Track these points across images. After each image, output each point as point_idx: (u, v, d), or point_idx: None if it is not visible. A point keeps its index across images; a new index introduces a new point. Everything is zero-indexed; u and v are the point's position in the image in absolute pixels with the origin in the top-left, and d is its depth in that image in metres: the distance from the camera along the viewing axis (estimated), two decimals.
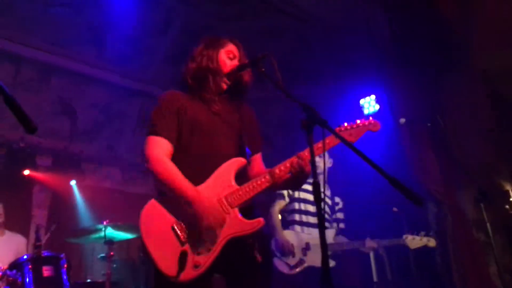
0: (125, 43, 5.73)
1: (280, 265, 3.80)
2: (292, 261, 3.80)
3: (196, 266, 1.98)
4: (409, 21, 5.05)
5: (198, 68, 2.36)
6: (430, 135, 4.66)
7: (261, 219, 2.12)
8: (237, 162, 2.23)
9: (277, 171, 2.19)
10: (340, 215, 4.17)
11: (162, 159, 2.15)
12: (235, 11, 5.61)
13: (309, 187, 3.98)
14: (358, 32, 5.44)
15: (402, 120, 3.77)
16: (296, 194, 4.03)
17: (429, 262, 4.78)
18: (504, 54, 4.66)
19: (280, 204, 4.00)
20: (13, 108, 1.17)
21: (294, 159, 2.20)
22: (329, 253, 3.83)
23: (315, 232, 3.87)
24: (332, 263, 3.83)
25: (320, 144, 2.15)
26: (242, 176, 2.22)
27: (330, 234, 3.98)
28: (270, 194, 3.70)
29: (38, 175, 5.70)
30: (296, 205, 4.01)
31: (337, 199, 4.22)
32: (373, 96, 5.55)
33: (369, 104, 5.55)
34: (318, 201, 1.78)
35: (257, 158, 2.43)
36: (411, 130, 4.69)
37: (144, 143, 2.22)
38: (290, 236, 3.88)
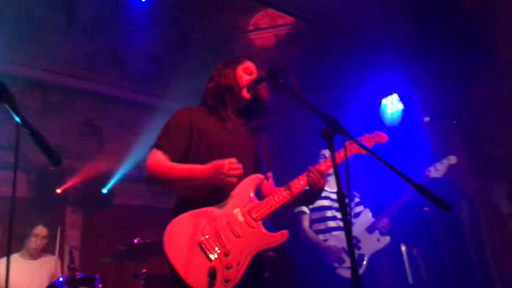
0: (146, 61, 5.85)
1: (344, 272, 3.68)
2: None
3: (226, 281, 1.99)
4: (429, 15, 4.96)
5: (216, 86, 2.42)
6: (458, 133, 4.55)
7: (285, 231, 2.15)
8: (256, 178, 2.27)
9: (294, 185, 2.23)
10: (358, 209, 4.09)
11: (156, 161, 2.21)
12: (250, 21, 5.65)
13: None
14: (376, 30, 5.38)
15: (427, 119, 3.70)
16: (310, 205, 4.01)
17: (466, 260, 4.65)
18: None
19: (306, 219, 3.97)
20: (39, 142, 1.21)
21: (308, 173, 2.25)
22: (376, 231, 3.83)
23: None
24: (387, 239, 3.85)
25: (341, 153, 2.16)
26: (256, 193, 2.26)
27: (366, 214, 3.96)
28: (291, 216, 3.73)
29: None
30: (315, 215, 3.97)
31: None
32: (395, 95, 5.45)
33: (392, 104, 5.46)
34: (343, 210, 1.78)
35: (270, 176, 2.46)
36: (437, 128, 4.59)
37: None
38: (334, 242, 3.82)
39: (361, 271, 3.70)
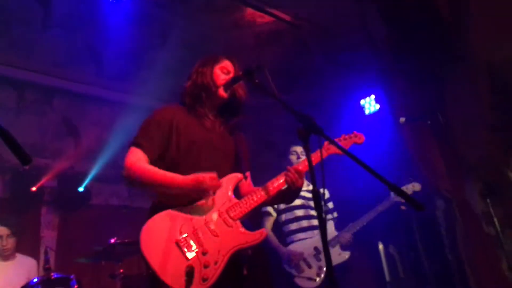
0: (123, 59, 5.78)
1: (302, 282, 3.69)
2: (311, 272, 3.70)
3: (204, 279, 1.99)
4: (404, 17, 5.03)
5: (193, 85, 2.41)
6: (433, 133, 4.63)
7: (263, 230, 2.17)
8: (235, 177, 2.28)
9: (271, 186, 2.25)
10: (330, 205, 4.12)
11: (137, 163, 2.18)
12: (230, 20, 5.64)
13: None
14: (354, 32, 5.44)
15: (402, 120, 3.78)
16: (282, 205, 3.95)
17: (441, 259, 4.74)
18: (507, 44, 4.60)
19: (269, 221, 3.97)
20: (7, 141, 1.19)
21: (286, 172, 2.26)
22: (338, 245, 3.83)
23: (315, 233, 3.85)
24: (347, 255, 3.84)
25: (318, 154, 2.19)
26: (235, 192, 2.27)
27: (330, 226, 3.96)
28: (256, 215, 3.73)
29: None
30: (288, 215, 3.95)
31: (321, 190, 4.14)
32: (373, 96, 5.54)
33: (370, 104, 5.54)
34: (318, 208, 1.79)
35: (248, 175, 2.47)
36: (412, 129, 4.67)
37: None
38: (294, 248, 3.81)
39: (318, 282, 3.67)
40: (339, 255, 3.83)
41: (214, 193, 2.15)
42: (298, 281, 3.70)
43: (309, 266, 3.72)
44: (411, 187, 3.97)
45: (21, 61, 5.45)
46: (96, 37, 5.45)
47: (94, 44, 5.58)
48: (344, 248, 3.87)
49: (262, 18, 5.65)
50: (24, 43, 5.29)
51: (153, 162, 2.23)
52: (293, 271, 3.73)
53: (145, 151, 2.22)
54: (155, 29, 5.64)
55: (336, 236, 3.89)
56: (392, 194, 3.99)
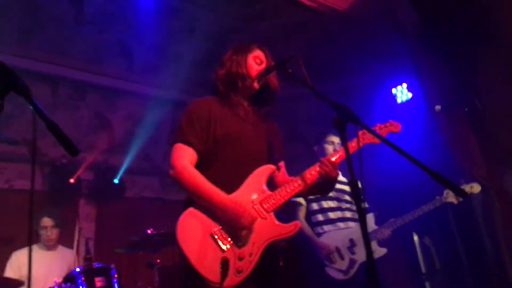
0: (152, 54, 5.85)
1: (333, 272, 3.63)
2: (342, 264, 3.63)
3: (238, 271, 2.01)
4: (435, 1, 4.88)
5: (227, 74, 2.41)
6: (469, 120, 4.50)
7: (297, 222, 2.18)
8: (268, 168, 2.27)
9: (308, 175, 2.23)
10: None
11: (188, 167, 2.18)
12: (257, 11, 5.61)
13: None
14: (384, 20, 5.32)
15: (438, 107, 3.68)
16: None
17: (479, 249, 4.63)
18: None
19: (302, 212, 3.87)
20: (56, 133, 1.23)
21: (320, 164, 2.25)
22: (375, 241, 3.72)
23: (352, 225, 3.77)
24: (383, 251, 3.75)
25: (353, 143, 2.16)
26: (269, 183, 2.26)
27: (370, 219, 3.86)
28: (287, 207, 3.70)
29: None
30: (317, 205, 3.85)
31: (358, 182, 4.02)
32: (405, 85, 5.43)
33: (402, 93, 5.44)
34: (357, 199, 1.77)
35: (282, 165, 2.46)
36: (448, 116, 4.54)
37: (171, 151, 2.26)
38: (329, 239, 3.73)
39: (349, 275, 3.60)
40: (374, 251, 3.73)
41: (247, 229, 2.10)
42: (329, 270, 3.65)
43: (342, 258, 3.65)
44: (469, 189, 3.81)
45: (55, 57, 5.60)
46: (126, 32, 5.52)
47: (124, 39, 5.66)
48: (381, 244, 3.77)
49: (288, 8, 5.60)
50: (58, 40, 5.42)
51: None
52: (325, 261, 3.68)
53: (195, 148, 2.24)
54: (183, 22, 5.67)
55: (374, 231, 3.77)
56: (444, 193, 3.85)
